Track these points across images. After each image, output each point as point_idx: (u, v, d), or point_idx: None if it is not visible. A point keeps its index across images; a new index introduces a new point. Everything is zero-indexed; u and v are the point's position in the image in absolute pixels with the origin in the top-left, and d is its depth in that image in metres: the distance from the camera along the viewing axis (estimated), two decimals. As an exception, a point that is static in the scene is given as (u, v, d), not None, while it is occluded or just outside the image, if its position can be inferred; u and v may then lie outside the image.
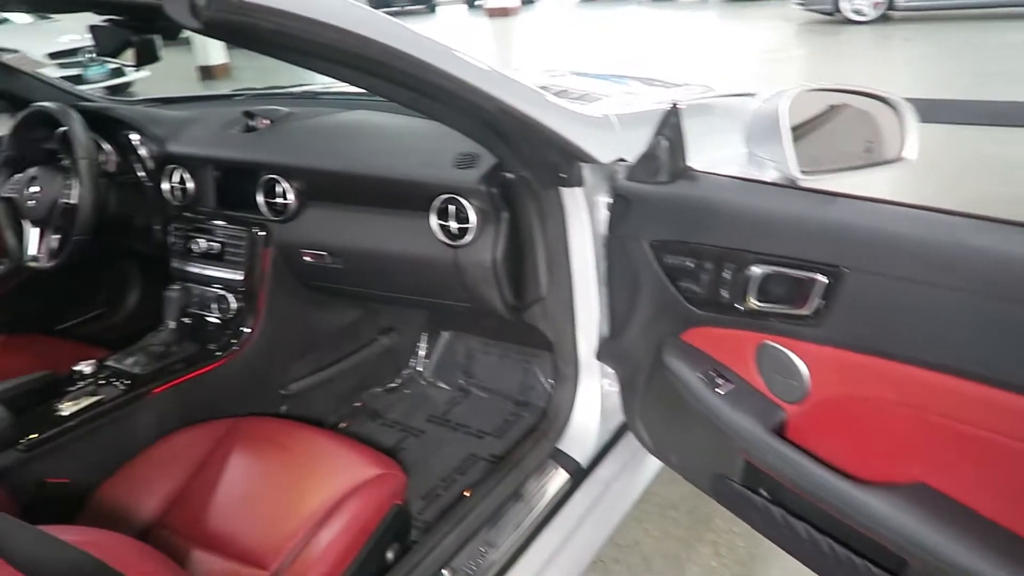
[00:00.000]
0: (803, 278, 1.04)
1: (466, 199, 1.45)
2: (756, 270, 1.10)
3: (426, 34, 1.11)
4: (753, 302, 1.12)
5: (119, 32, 1.33)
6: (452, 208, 1.46)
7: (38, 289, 2.10)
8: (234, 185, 1.77)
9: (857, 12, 10.55)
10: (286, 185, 1.65)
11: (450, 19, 17.67)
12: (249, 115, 1.81)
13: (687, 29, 12.97)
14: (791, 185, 1.65)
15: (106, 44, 1.54)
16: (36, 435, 1.40)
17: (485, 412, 2.04)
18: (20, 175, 1.80)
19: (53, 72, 6.88)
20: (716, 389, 1.21)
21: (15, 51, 1.93)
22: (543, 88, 1.72)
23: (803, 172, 1.68)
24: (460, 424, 2.00)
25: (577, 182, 1.37)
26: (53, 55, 8.19)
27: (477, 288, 1.53)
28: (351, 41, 0.94)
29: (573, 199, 1.40)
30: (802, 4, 11.27)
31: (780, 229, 1.09)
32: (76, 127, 1.70)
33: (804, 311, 1.05)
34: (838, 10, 10.68)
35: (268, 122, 1.81)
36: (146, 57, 1.39)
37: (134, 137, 1.88)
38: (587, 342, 1.52)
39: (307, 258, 1.70)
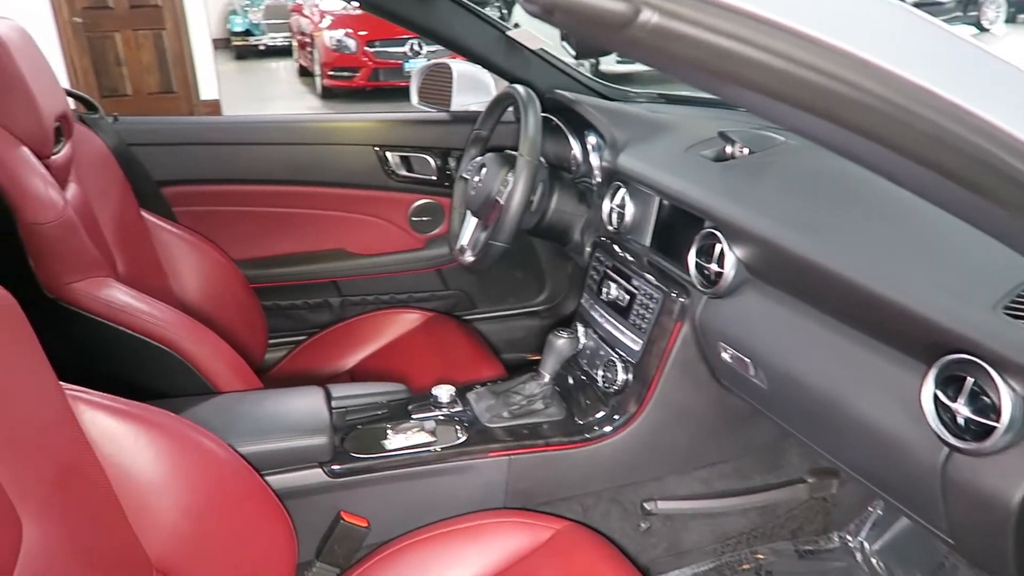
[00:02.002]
0: None
1: (1004, 375, 0.76)
2: None
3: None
4: None
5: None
6: (970, 382, 0.79)
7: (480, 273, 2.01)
8: (674, 227, 1.33)
9: None
10: (727, 248, 1.15)
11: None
12: (726, 138, 1.34)
13: None
14: None
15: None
16: (350, 461, 1.22)
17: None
18: (480, 157, 1.65)
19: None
20: None
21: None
22: None
23: None
24: (887, 663, 1.28)
25: None
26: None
27: (972, 528, 0.84)
28: (822, 64, 0.48)
29: None
30: None
31: None
32: (529, 120, 1.46)
33: None
34: None
35: (747, 151, 1.31)
36: (585, 50, 1.03)
37: (591, 140, 1.58)
38: None
39: (725, 355, 1.19)
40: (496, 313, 2.11)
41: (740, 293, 1.16)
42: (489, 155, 1.63)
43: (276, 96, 9.78)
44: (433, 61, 2.07)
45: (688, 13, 0.48)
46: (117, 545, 0.93)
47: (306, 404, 1.25)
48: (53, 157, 1.26)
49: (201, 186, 1.79)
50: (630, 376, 1.34)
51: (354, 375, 1.76)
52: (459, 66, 1.99)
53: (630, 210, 1.43)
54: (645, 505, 1.41)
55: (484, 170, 1.61)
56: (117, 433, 0.95)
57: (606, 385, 1.37)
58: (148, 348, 1.23)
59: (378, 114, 1.97)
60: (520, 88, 1.55)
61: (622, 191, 1.46)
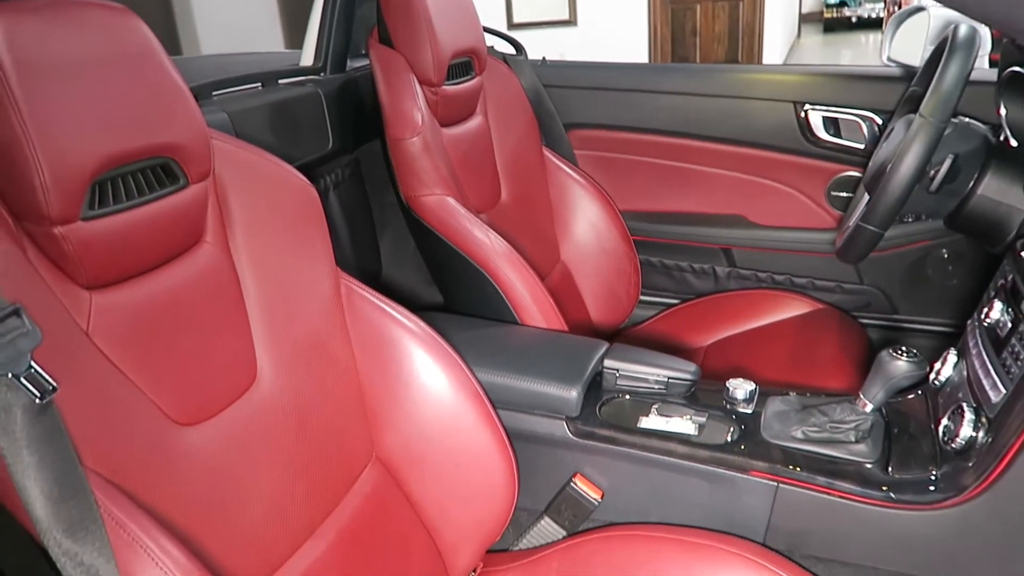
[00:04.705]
0: None
1: None
2: None
3: None
4: None
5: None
6: None
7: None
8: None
9: None
10: None
11: None
12: None
13: None
14: None
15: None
16: (597, 425, 1.13)
17: None
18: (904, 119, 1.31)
19: None
20: None
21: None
22: None
23: None
24: None
25: None
26: None
27: None
28: None
29: None
30: None
31: None
32: (948, 68, 1.10)
33: None
34: None
35: None
36: None
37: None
38: None
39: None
40: (920, 326, 1.67)
41: None
42: (905, 117, 1.27)
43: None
44: (913, 6, 1.68)
45: None
46: (342, 421, 1.04)
47: (576, 354, 1.20)
48: (446, 87, 1.42)
49: (604, 131, 1.81)
50: (979, 435, 0.92)
51: (708, 352, 1.61)
52: (938, 10, 1.58)
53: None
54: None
55: (892, 134, 1.27)
56: (373, 328, 1.06)
57: (945, 438, 0.97)
58: (468, 266, 1.32)
59: (804, 65, 1.70)
60: (963, 27, 1.16)
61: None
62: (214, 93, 1.26)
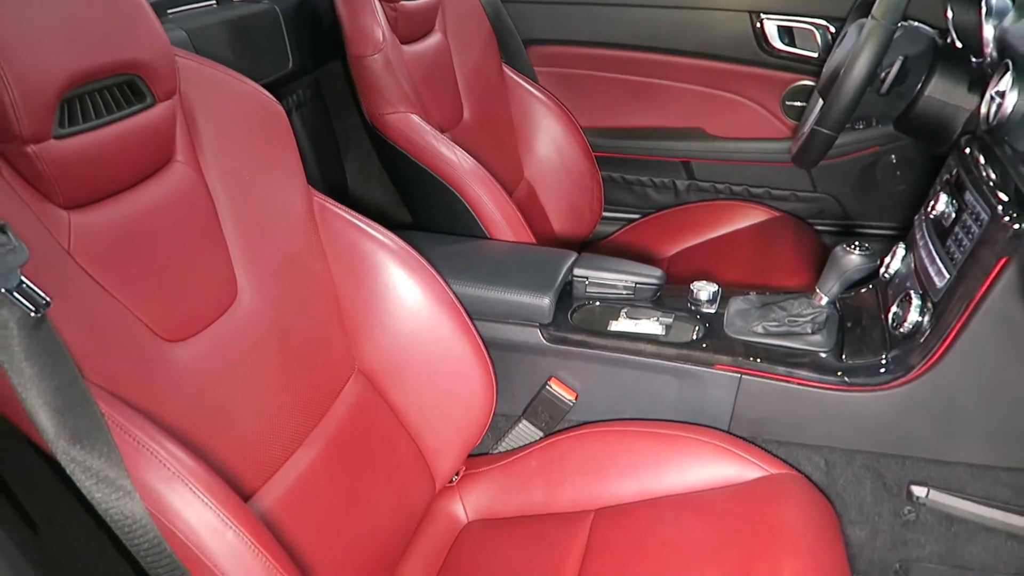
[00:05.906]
0: None
1: None
2: None
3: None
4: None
5: None
6: None
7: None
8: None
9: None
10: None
11: None
12: None
13: None
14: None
15: None
16: (569, 330, 1.18)
17: None
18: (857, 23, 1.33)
19: None
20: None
21: None
22: None
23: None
24: None
25: None
26: None
27: None
28: None
29: None
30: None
31: None
32: None
33: None
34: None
35: None
36: None
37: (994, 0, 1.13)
38: None
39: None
40: (870, 230, 1.74)
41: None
42: (858, 22, 1.30)
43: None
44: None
45: None
46: (323, 335, 1.05)
47: (547, 264, 1.23)
48: (404, 2, 1.40)
49: (563, 47, 1.80)
50: (925, 320, 0.99)
51: (671, 261, 1.67)
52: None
53: (1012, 100, 1.01)
54: (913, 489, 1.07)
55: (845, 39, 1.30)
56: (348, 243, 1.06)
57: (894, 324, 1.04)
58: (436, 184, 1.33)
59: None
60: None
61: (1009, 75, 1.03)
62: (169, 11, 1.22)
